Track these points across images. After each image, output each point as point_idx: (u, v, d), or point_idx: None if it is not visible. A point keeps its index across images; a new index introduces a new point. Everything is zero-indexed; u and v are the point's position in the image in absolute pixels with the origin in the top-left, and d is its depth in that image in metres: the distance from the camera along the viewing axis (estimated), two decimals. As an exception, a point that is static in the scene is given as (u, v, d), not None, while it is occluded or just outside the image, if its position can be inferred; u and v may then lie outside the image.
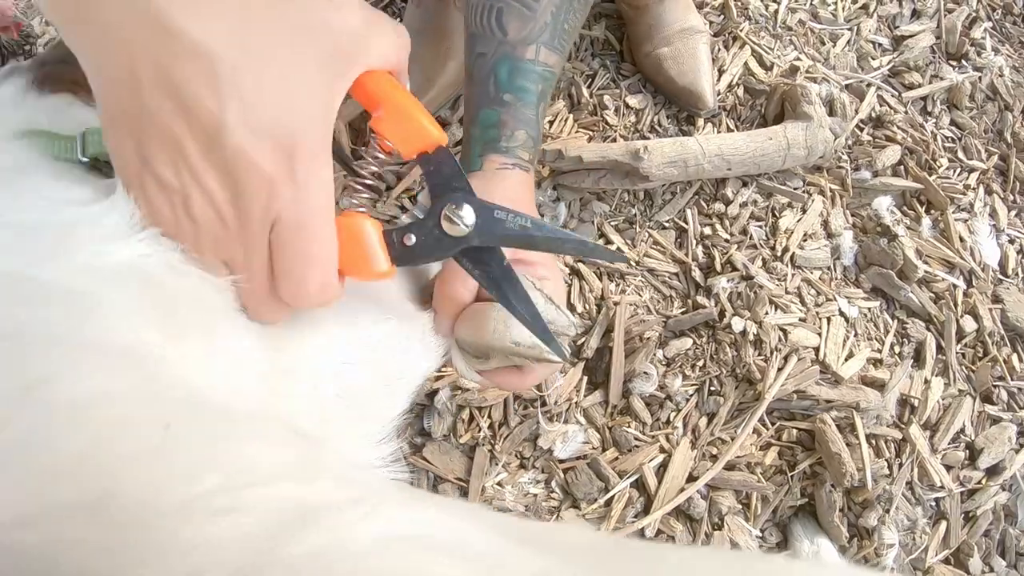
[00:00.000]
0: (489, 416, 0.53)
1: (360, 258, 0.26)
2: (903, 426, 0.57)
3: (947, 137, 0.75)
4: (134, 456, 0.17)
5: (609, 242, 0.60)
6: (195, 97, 0.21)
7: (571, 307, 0.57)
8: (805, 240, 0.62)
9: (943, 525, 0.57)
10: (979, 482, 0.59)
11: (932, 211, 0.68)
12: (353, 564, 0.16)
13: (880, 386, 0.57)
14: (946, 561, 0.58)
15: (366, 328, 0.30)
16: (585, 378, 0.56)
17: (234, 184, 0.22)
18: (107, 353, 0.20)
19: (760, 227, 0.62)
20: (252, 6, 0.22)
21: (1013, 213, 0.72)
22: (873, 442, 0.56)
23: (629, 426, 0.55)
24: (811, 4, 0.82)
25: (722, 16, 0.76)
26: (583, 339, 0.56)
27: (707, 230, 0.61)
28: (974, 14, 0.87)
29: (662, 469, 0.53)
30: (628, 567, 0.20)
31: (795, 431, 0.55)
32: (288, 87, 0.22)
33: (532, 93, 0.39)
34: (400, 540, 0.17)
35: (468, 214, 0.27)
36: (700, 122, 0.66)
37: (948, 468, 0.59)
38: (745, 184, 0.64)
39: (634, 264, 0.59)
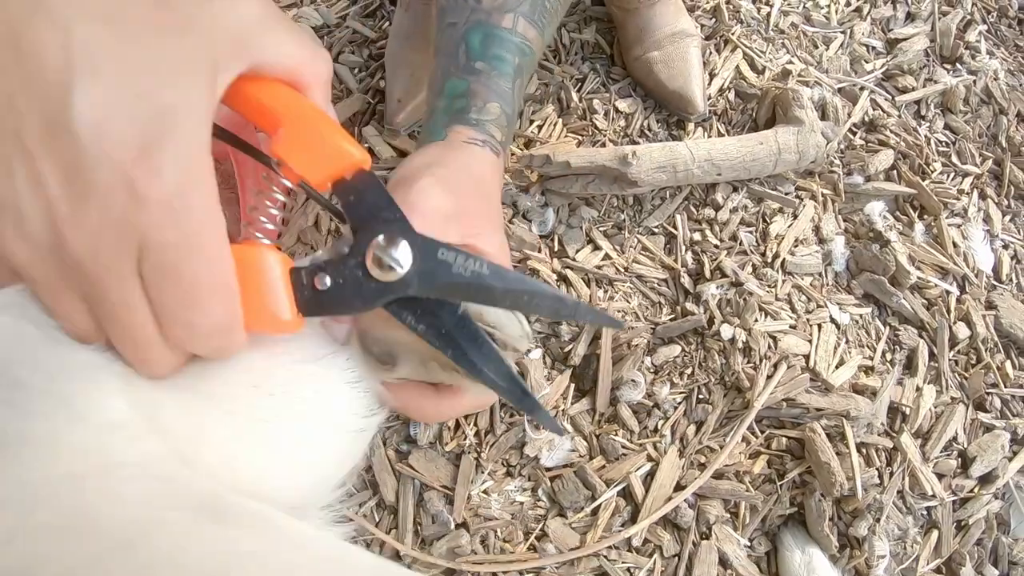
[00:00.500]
0: (475, 424, 0.53)
1: (257, 302, 0.20)
2: (894, 435, 0.56)
3: (940, 141, 0.74)
4: None
5: (597, 247, 0.60)
6: (40, 61, 0.17)
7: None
8: (796, 246, 0.62)
9: (935, 534, 0.57)
10: (971, 490, 0.59)
11: (925, 216, 0.67)
12: None
13: (871, 394, 0.57)
14: (937, 571, 0.57)
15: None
16: (572, 385, 0.55)
17: (82, 185, 0.17)
18: None
19: (750, 233, 0.61)
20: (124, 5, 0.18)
21: (1007, 218, 0.72)
22: (864, 451, 0.55)
23: (616, 434, 0.54)
24: (804, 7, 0.81)
25: (714, 19, 0.76)
26: (570, 346, 0.55)
27: (696, 236, 0.60)
28: (969, 17, 0.87)
29: (649, 478, 0.53)
30: None
31: (784, 439, 0.55)
32: (159, 71, 0.18)
33: (508, 64, 0.34)
34: None
35: (404, 254, 0.21)
36: (690, 127, 0.66)
37: (940, 477, 0.58)
38: (736, 189, 0.63)
39: (622, 270, 0.59)
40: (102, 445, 0.18)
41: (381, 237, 0.21)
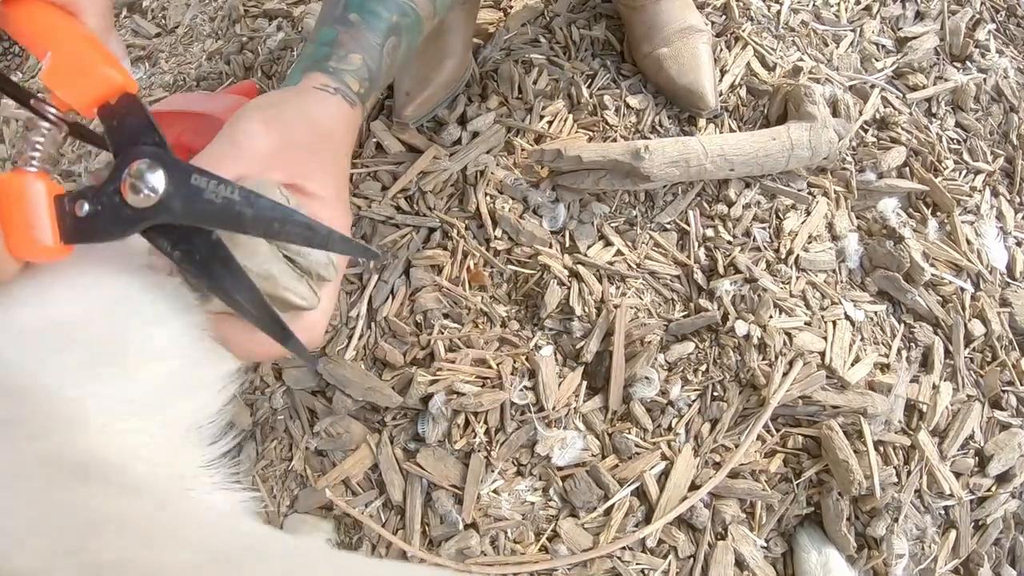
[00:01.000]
0: (485, 421, 0.52)
1: (21, 228, 0.19)
2: (911, 432, 0.56)
3: (952, 139, 0.74)
4: None
5: (609, 243, 0.59)
6: None
7: (570, 310, 0.55)
8: (810, 242, 0.61)
9: (953, 534, 0.56)
10: (989, 489, 0.58)
11: (938, 213, 0.67)
12: None
13: (887, 391, 0.56)
14: (956, 571, 0.56)
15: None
16: (584, 383, 0.54)
17: None
18: None
19: (764, 229, 0.61)
20: None
21: (1020, 215, 0.71)
22: (881, 449, 0.54)
23: (629, 432, 0.53)
24: (814, 5, 0.81)
25: (724, 16, 0.75)
26: (582, 343, 0.55)
27: (709, 232, 0.60)
28: (978, 16, 0.86)
29: (664, 477, 0.52)
30: None
31: (800, 438, 0.54)
32: None
33: (383, 20, 0.35)
34: None
35: (157, 179, 0.21)
36: (702, 123, 0.65)
37: (957, 475, 0.57)
38: (748, 185, 0.63)
39: (634, 266, 0.58)
40: None
41: (137, 163, 0.21)
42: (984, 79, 0.79)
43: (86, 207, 0.21)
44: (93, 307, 0.21)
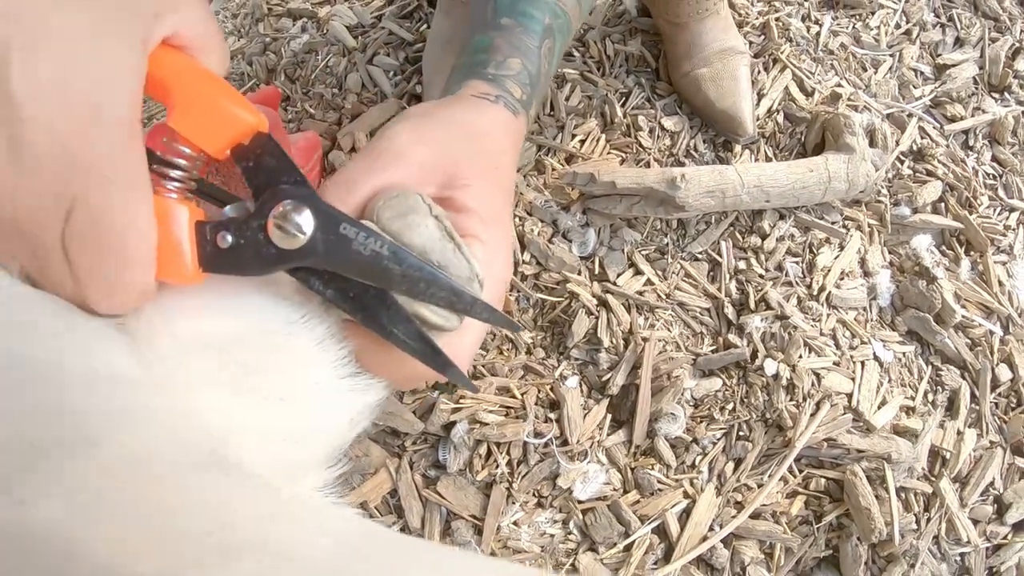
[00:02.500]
0: (508, 452, 0.52)
1: (160, 249, 0.20)
2: (933, 479, 0.56)
3: (988, 174, 0.73)
4: None
5: (639, 272, 0.59)
6: None
7: (597, 340, 0.55)
8: (842, 278, 0.61)
9: (966, 581, 0.57)
10: (1005, 537, 0.58)
11: (971, 252, 0.67)
12: None
13: (912, 436, 0.56)
14: (968, 617, 0.57)
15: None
16: (609, 416, 0.54)
17: (24, 155, 0.17)
18: None
19: (796, 263, 0.60)
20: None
21: (1051, 256, 0.71)
22: (903, 495, 0.55)
23: (653, 468, 0.53)
24: (854, 27, 0.80)
25: (763, 36, 0.74)
26: (609, 375, 0.55)
27: (742, 264, 0.60)
28: (1018, 44, 0.86)
29: (685, 515, 0.52)
30: None
31: (823, 480, 0.54)
32: (92, 42, 0.18)
33: (537, 22, 0.33)
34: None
35: (305, 222, 0.21)
36: (737, 148, 0.65)
37: (975, 523, 0.58)
38: (782, 217, 0.62)
39: (664, 297, 0.58)
40: (109, 393, 0.18)
41: (284, 203, 0.21)
42: (1022, 112, 0.79)
43: (229, 239, 0.21)
44: (247, 330, 0.22)
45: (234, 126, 0.21)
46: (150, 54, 0.20)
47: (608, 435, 0.54)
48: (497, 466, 0.52)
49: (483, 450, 0.52)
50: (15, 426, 0.16)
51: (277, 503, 0.18)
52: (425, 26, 0.78)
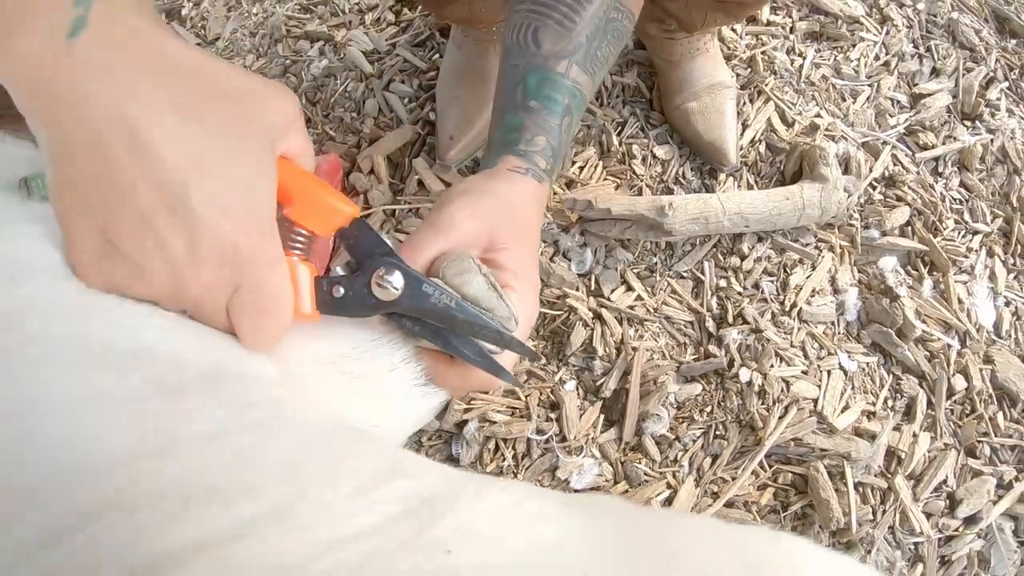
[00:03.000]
0: (513, 448, 0.61)
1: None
2: (889, 476, 0.65)
3: (955, 199, 0.82)
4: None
5: (631, 288, 0.68)
6: (159, 159, 0.24)
7: (593, 349, 0.64)
8: (813, 296, 0.70)
9: (920, 567, 0.65)
10: (956, 530, 0.67)
11: (934, 272, 0.75)
12: (495, 532, 0.22)
13: (871, 437, 0.65)
14: (921, 599, 0.66)
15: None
16: (602, 416, 0.63)
17: (201, 250, 0.25)
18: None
19: (772, 282, 0.69)
20: (207, 111, 0.25)
21: (1012, 276, 0.80)
22: (860, 489, 0.63)
23: (640, 462, 0.62)
24: (835, 59, 0.89)
25: (749, 69, 0.83)
26: (602, 380, 0.64)
27: (722, 282, 0.68)
28: (992, 74, 0.94)
29: (668, 504, 0.61)
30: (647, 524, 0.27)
31: (790, 475, 0.63)
32: (240, 161, 0.25)
33: (558, 104, 0.42)
34: (507, 510, 0.24)
35: (397, 282, 0.30)
36: (722, 176, 0.74)
37: (928, 516, 0.67)
38: (760, 239, 0.71)
39: (652, 312, 0.67)
40: (247, 389, 0.27)
41: (382, 269, 0.30)
42: (991, 140, 0.87)
43: (341, 291, 0.30)
44: (351, 351, 0.32)
45: (338, 216, 0.30)
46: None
47: (601, 433, 0.63)
48: (504, 459, 0.61)
49: (492, 445, 0.61)
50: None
51: (394, 455, 0.27)
52: (436, 55, 0.87)
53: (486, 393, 0.62)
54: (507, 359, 0.34)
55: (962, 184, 0.83)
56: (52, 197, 0.25)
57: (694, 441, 0.63)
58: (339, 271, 0.31)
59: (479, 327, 0.32)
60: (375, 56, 0.90)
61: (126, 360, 0.24)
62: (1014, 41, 1.00)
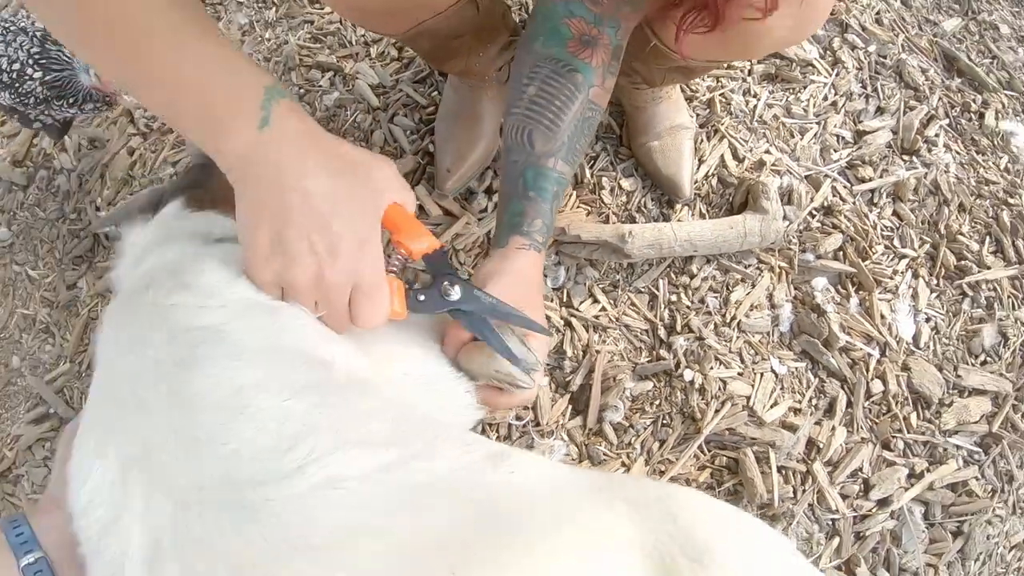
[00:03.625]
0: (496, 431, 0.77)
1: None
2: (809, 462, 0.81)
3: (886, 227, 0.97)
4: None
5: (596, 301, 0.84)
6: (311, 204, 0.41)
7: (563, 351, 0.80)
8: (751, 309, 0.86)
9: (836, 540, 0.81)
10: (869, 510, 0.83)
11: (861, 291, 0.91)
12: (536, 466, 0.38)
13: (795, 430, 0.81)
14: (838, 568, 0.82)
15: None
16: (570, 406, 0.79)
17: (337, 255, 0.42)
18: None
19: (716, 298, 0.85)
20: (324, 193, 0.42)
21: (935, 295, 0.95)
22: (783, 472, 0.79)
23: (600, 445, 0.78)
24: (786, 100, 1.04)
25: (708, 109, 0.99)
26: (571, 376, 0.80)
27: (673, 297, 0.84)
28: (932, 112, 1.09)
29: (621, 480, 0.77)
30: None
31: (724, 458, 0.79)
32: (361, 208, 0.43)
33: (549, 192, 0.60)
34: (540, 459, 0.41)
35: (457, 290, 0.49)
36: (678, 207, 0.90)
37: (844, 497, 0.82)
38: (708, 261, 0.87)
39: (613, 321, 0.83)
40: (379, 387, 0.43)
41: (448, 281, 0.49)
42: (925, 174, 1.03)
43: (422, 297, 0.48)
44: (442, 378, 0.50)
45: (427, 244, 0.48)
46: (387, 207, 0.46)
47: (569, 420, 0.79)
48: (489, 439, 0.77)
49: (479, 428, 0.77)
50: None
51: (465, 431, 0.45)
52: (435, 92, 1.03)
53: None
54: (540, 346, 0.53)
55: (895, 213, 0.99)
56: (241, 224, 0.42)
57: (645, 428, 0.79)
58: (418, 285, 0.49)
59: (512, 316, 0.51)
60: (380, 90, 1.06)
61: (302, 359, 0.39)
62: (959, 80, 1.16)
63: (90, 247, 1.08)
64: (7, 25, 0.88)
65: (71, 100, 0.90)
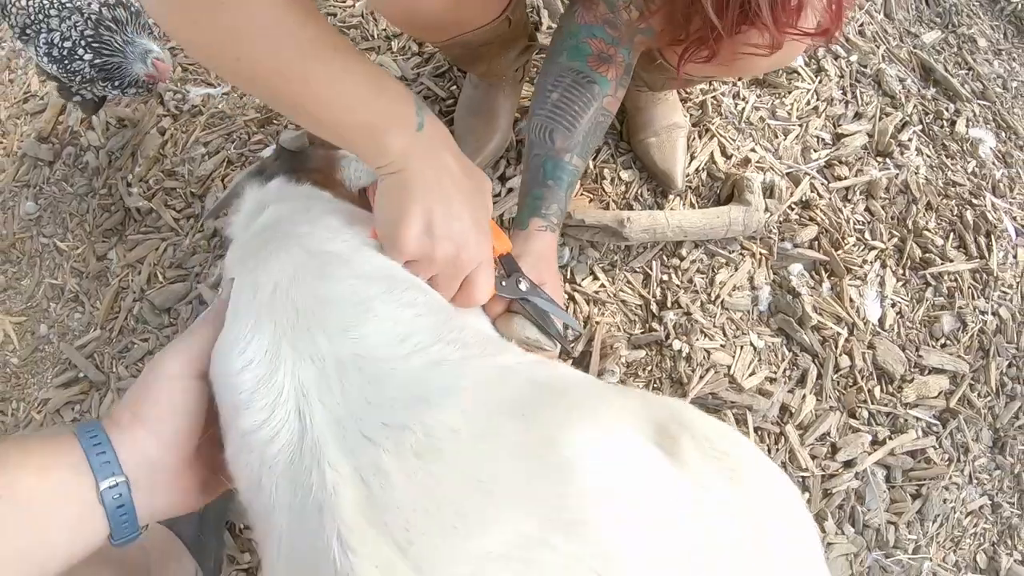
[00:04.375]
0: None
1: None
2: (782, 424, 0.96)
3: (859, 221, 1.13)
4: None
5: (596, 278, 0.98)
6: (460, 202, 0.55)
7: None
8: (734, 290, 1.01)
9: (806, 496, 0.96)
10: (836, 471, 0.98)
11: (833, 277, 1.07)
12: (581, 377, 0.53)
13: (769, 396, 0.96)
14: (806, 522, 0.97)
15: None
16: (570, 371, 0.93)
17: (465, 246, 0.55)
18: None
19: (702, 278, 1.00)
20: (460, 190, 0.56)
21: (900, 284, 1.11)
22: (759, 432, 0.94)
23: (596, 406, 0.92)
24: (772, 104, 1.20)
25: (700, 111, 1.14)
26: (573, 344, 0.94)
27: (665, 277, 0.99)
28: (907, 119, 1.25)
29: (615, 436, 0.91)
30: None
31: (707, 420, 0.94)
32: (476, 217, 0.57)
33: (564, 182, 0.73)
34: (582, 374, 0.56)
35: (524, 283, 0.65)
36: (671, 197, 1.04)
37: (813, 457, 0.97)
38: (697, 246, 1.02)
39: (611, 296, 0.97)
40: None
41: (516, 276, 0.65)
42: (897, 174, 1.18)
43: (503, 283, 0.64)
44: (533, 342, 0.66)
45: (504, 247, 0.64)
46: None
47: (569, 384, 0.93)
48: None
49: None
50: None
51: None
52: (454, 86, 1.17)
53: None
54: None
55: (867, 209, 1.14)
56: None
57: (637, 392, 0.93)
58: (497, 275, 0.64)
59: (555, 305, 0.67)
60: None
61: (407, 284, 0.52)
62: (934, 89, 1.32)
63: (121, 220, 1.20)
64: (65, 2, 0.96)
65: (116, 83, 1.01)
